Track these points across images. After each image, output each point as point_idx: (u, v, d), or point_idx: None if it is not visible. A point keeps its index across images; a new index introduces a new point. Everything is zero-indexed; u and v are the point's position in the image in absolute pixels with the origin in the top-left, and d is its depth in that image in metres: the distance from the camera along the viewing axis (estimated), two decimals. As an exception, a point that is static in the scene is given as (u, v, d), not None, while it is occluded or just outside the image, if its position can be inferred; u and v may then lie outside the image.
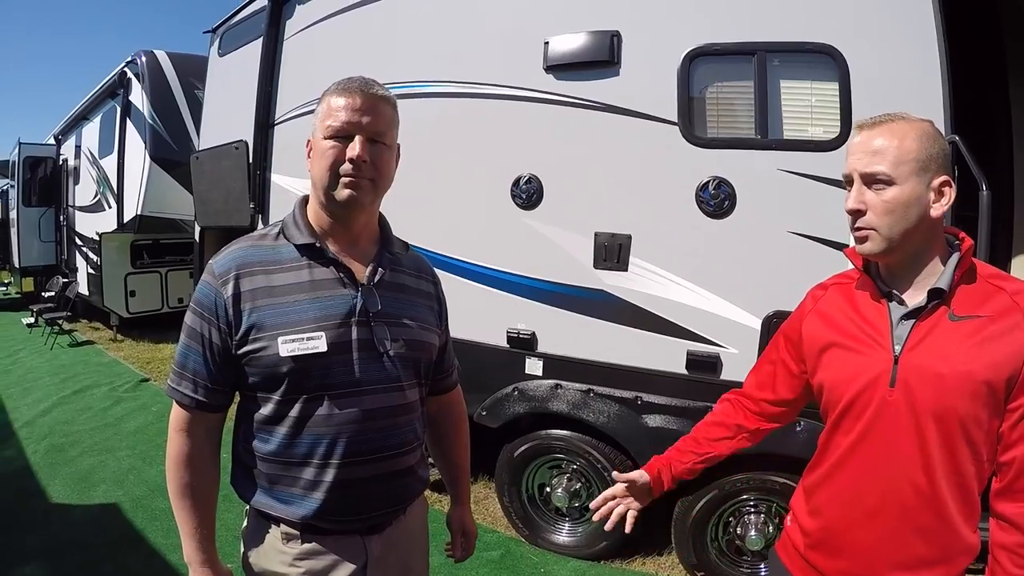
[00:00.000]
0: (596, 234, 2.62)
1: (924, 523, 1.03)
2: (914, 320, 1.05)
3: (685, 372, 2.51)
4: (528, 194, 2.75)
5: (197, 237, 4.42)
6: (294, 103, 3.57)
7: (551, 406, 2.75)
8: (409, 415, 1.19)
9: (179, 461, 1.12)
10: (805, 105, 2.35)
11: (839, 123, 2.28)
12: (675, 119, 2.46)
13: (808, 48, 2.29)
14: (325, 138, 1.09)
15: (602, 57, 2.56)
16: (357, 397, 1.10)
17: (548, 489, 2.92)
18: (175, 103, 6.16)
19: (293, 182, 3.64)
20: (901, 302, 1.08)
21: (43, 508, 3.34)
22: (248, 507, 1.18)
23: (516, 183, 2.77)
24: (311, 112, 3.51)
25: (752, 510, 2.57)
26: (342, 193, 1.09)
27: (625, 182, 2.59)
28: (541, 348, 2.80)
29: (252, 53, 3.75)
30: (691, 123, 2.46)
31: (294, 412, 1.08)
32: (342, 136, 1.08)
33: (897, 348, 1.04)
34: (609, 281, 2.62)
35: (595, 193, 2.65)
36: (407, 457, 1.18)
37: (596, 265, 2.63)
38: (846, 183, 1.10)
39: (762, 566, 2.56)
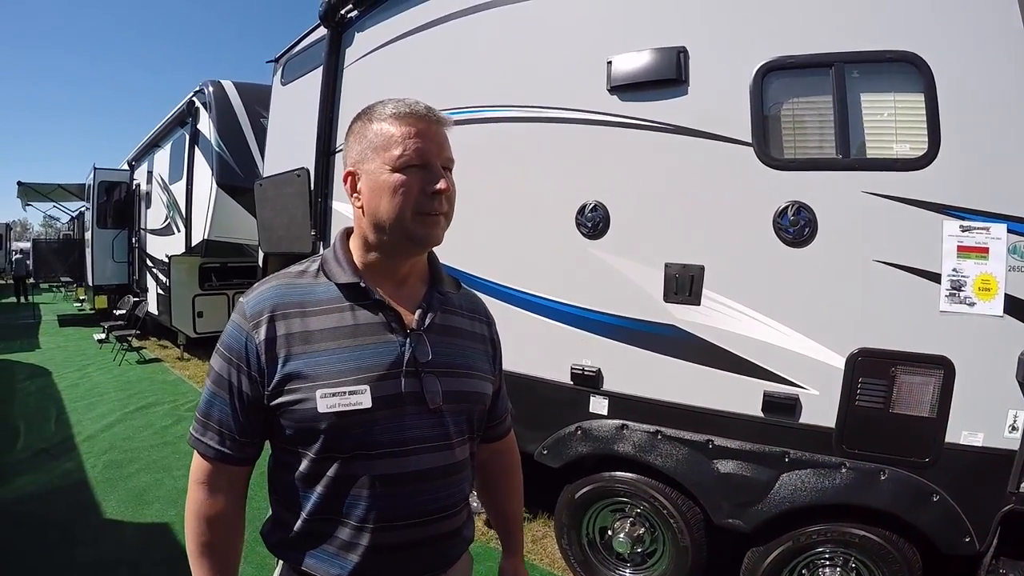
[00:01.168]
0: (666, 265, 2.77)
1: None
2: None
3: (761, 415, 2.62)
4: (593, 223, 2.94)
5: (261, 262, 5.00)
6: (356, 132, 4.03)
7: (616, 447, 2.91)
8: (459, 474, 1.19)
9: (200, 517, 1.14)
10: (889, 120, 2.43)
11: (926, 138, 2.34)
12: (749, 139, 2.59)
13: (889, 57, 2.36)
14: (395, 170, 1.08)
15: (668, 75, 2.72)
16: (403, 458, 1.10)
17: (610, 533, 3.08)
18: (241, 131, 6.97)
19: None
20: None
21: (96, 523, 3.84)
22: (279, 560, 1.22)
23: (581, 211, 2.96)
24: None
25: (828, 563, 2.63)
26: (422, 231, 1.10)
27: (696, 209, 2.73)
28: (606, 386, 2.97)
29: (313, 81, 4.24)
30: (766, 143, 2.57)
31: (331, 472, 1.09)
32: (418, 167, 1.09)
33: None
34: (680, 316, 2.76)
35: (664, 221, 2.80)
36: (452, 520, 1.19)
37: (666, 298, 2.77)
38: None
39: None
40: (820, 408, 2.52)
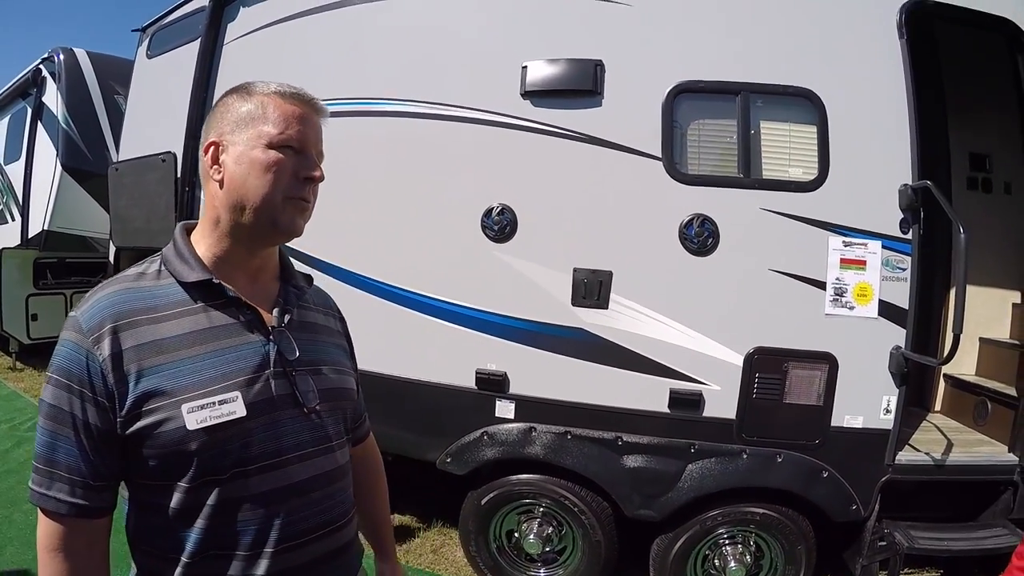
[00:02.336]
0: (575, 270, 2.52)
1: None
2: None
3: (668, 410, 2.47)
4: (500, 226, 2.59)
5: (112, 258, 3.89)
6: (233, 114, 3.21)
7: (525, 450, 2.60)
8: (344, 479, 1.01)
9: None
10: (785, 146, 2.38)
11: (817, 164, 2.34)
12: (659, 154, 2.45)
13: (788, 91, 2.36)
14: (271, 147, 0.88)
15: (584, 86, 2.49)
16: (285, 469, 0.89)
17: (517, 535, 2.77)
18: (92, 107, 5.52)
19: (228, 200, 3.27)
20: None
21: (-66, 576, 2.76)
22: None
23: (487, 214, 2.61)
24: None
25: (729, 542, 2.57)
26: (288, 219, 0.91)
27: (606, 216, 2.53)
28: (513, 390, 2.64)
29: (186, 57, 3.38)
30: (675, 158, 2.44)
31: (210, 499, 0.85)
32: (296, 150, 0.90)
33: None
34: (588, 319, 2.53)
35: (574, 227, 2.56)
36: (348, 529, 1.01)
37: (574, 302, 2.53)
38: None
39: None
40: (722, 402, 2.45)
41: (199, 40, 3.26)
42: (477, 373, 2.64)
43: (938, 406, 3.35)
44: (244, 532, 0.86)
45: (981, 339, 3.23)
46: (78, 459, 0.83)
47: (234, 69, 3.24)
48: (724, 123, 2.41)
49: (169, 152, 3.35)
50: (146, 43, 3.80)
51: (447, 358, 2.69)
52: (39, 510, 0.85)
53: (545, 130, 2.54)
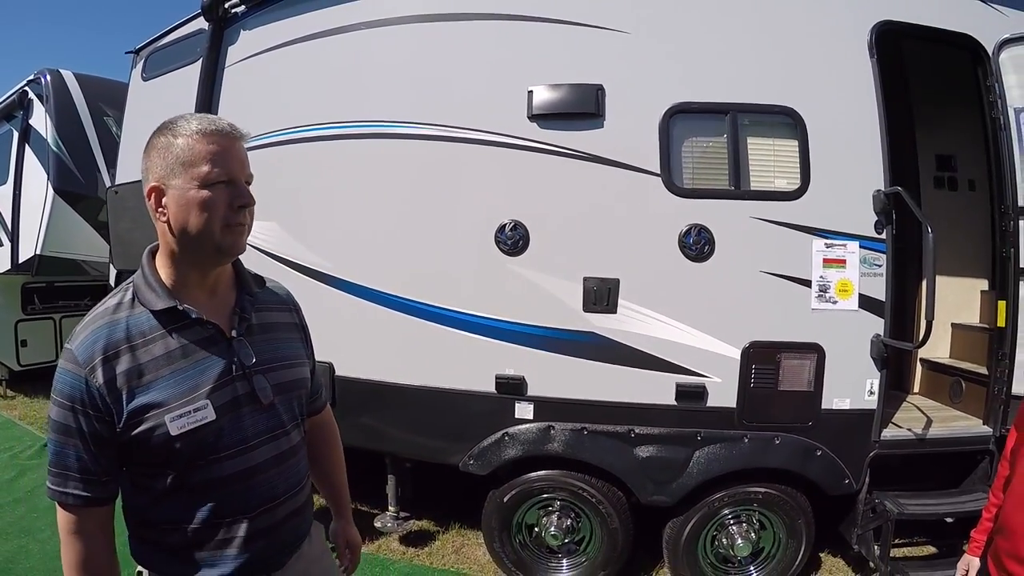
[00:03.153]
0: (585, 279, 2.91)
1: None
2: None
3: (675, 403, 2.90)
4: (513, 241, 2.96)
5: (113, 281, 4.14)
6: (236, 137, 3.52)
7: (545, 448, 2.99)
8: (298, 455, 1.31)
9: (79, 567, 1.14)
10: (771, 160, 2.84)
11: (800, 175, 2.81)
12: (657, 170, 2.87)
13: (773, 110, 2.82)
14: (203, 186, 1.09)
15: (588, 109, 2.89)
16: (251, 453, 1.19)
17: (537, 529, 3.17)
18: (83, 130, 5.67)
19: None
20: None
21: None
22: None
23: (501, 230, 2.97)
24: (259, 147, 3.44)
25: (733, 522, 3.04)
26: (229, 243, 1.14)
27: (612, 229, 2.92)
28: (531, 392, 3.01)
29: (183, 79, 3.67)
30: (672, 174, 2.87)
31: (192, 481, 1.14)
32: (224, 183, 1.11)
33: None
34: (599, 323, 2.92)
35: (582, 239, 2.94)
36: (300, 496, 1.32)
37: (586, 308, 2.92)
38: None
39: (751, 569, 3.08)
40: (723, 392, 2.89)
41: (199, 63, 3.54)
42: (496, 378, 3.01)
43: (916, 388, 3.89)
44: (220, 506, 1.16)
45: (953, 324, 3.78)
46: (87, 462, 1.10)
47: (236, 92, 3.55)
48: (715, 140, 2.87)
49: (173, 175, 3.64)
50: (140, 65, 4.06)
51: (467, 366, 3.05)
52: (57, 504, 1.14)
53: (552, 150, 2.93)
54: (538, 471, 3.07)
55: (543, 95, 2.93)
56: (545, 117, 2.94)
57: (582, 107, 2.89)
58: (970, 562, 1.84)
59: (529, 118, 2.95)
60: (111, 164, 4.25)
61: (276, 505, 1.23)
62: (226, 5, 3.48)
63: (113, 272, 4.14)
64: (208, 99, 3.56)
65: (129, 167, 4.02)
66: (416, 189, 3.12)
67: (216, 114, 3.57)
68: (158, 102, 3.91)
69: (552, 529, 3.09)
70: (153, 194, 1.12)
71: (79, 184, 5.63)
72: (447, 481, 3.78)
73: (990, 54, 2.89)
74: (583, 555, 3.14)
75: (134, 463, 1.14)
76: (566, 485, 3.04)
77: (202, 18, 3.60)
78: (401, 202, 3.13)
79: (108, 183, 5.11)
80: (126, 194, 3.91)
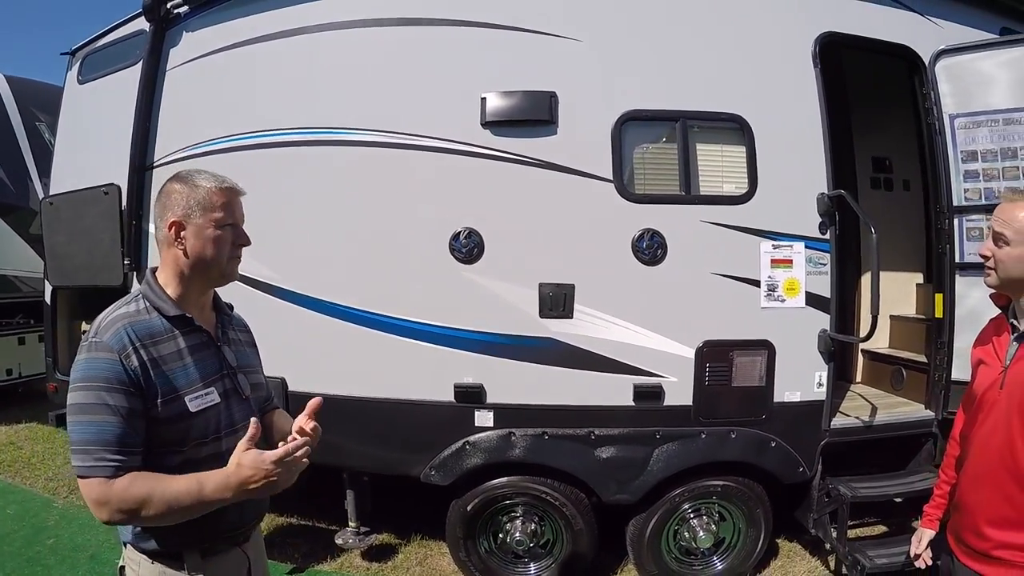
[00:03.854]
0: (541, 285, 2.95)
1: (1010, 492, 1.58)
2: (1022, 341, 1.64)
3: (633, 404, 2.99)
4: (468, 248, 2.97)
5: (48, 298, 3.94)
6: (180, 143, 3.42)
7: (506, 455, 3.02)
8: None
9: (143, 491, 1.27)
10: (719, 165, 2.94)
11: (747, 180, 2.93)
12: (610, 176, 2.94)
13: (721, 117, 2.93)
14: (218, 227, 1.43)
15: (541, 116, 2.93)
16: (236, 435, 1.41)
17: (502, 535, 3.20)
18: (13, 136, 5.34)
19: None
20: (1017, 328, 1.67)
21: None
22: (140, 559, 1.43)
23: (455, 237, 2.97)
24: (202, 155, 3.32)
25: (694, 515, 3.16)
26: (231, 271, 1.50)
27: (566, 235, 2.98)
28: (490, 399, 3.03)
29: (122, 82, 3.54)
30: (625, 180, 2.94)
31: (198, 456, 1.40)
32: (231, 225, 1.46)
33: (1007, 362, 1.65)
34: (556, 328, 2.98)
35: (537, 246, 2.98)
36: None
37: (542, 314, 2.96)
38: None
39: (714, 559, 3.22)
40: (679, 391, 3.00)
41: (140, 65, 3.43)
42: (455, 387, 3.01)
43: (859, 377, 4.11)
44: None
45: (891, 316, 4.01)
46: (124, 434, 1.28)
47: (178, 97, 3.44)
48: (666, 147, 2.96)
49: (112, 184, 3.50)
50: (76, 67, 3.89)
51: (425, 376, 3.05)
52: (86, 480, 1.26)
53: (505, 157, 2.95)
54: (500, 478, 3.10)
55: (496, 102, 2.95)
56: (498, 124, 2.96)
57: (535, 114, 2.93)
58: (923, 533, 2.00)
59: (482, 125, 2.96)
60: (44, 173, 4.04)
61: None
62: (168, 5, 3.37)
63: (48, 288, 3.95)
64: (148, 104, 3.46)
65: (64, 176, 3.85)
66: (368, 197, 3.09)
67: (158, 120, 3.54)
68: (95, 106, 3.76)
69: (517, 534, 3.14)
70: (174, 227, 1.41)
71: (9, 194, 5.34)
72: (404, 493, 3.78)
73: (927, 64, 3.08)
74: (550, 557, 3.20)
75: (155, 441, 1.34)
76: (528, 490, 3.09)
77: (143, 18, 3.47)
78: (352, 211, 3.10)
79: (42, 194, 4.86)
80: (62, 205, 3.74)
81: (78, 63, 3.89)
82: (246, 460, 1.31)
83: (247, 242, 1.51)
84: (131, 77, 3.50)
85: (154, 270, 1.49)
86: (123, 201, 3.49)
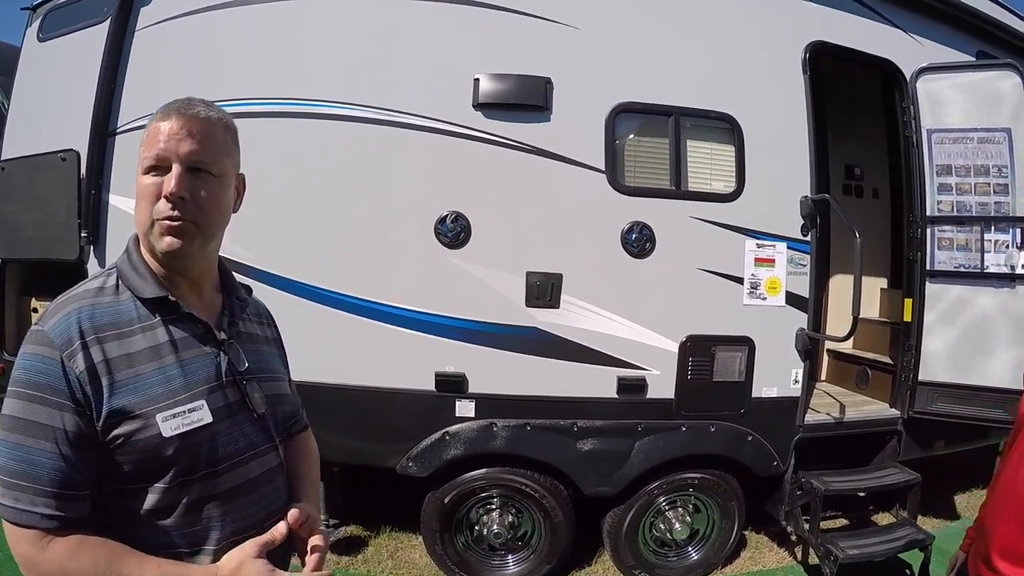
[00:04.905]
0: (528, 273, 2.93)
1: None
2: None
3: (616, 396, 3.01)
4: (455, 233, 2.92)
5: (-5, 272, 3.65)
6: (145, 109, 3.20)
7: (487, 446, 2.99)
8: (282, 476, 1.18)
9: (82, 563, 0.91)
10: (709, 162, 2.99)
11: (735, 179, 2.99)
12: (602, 167, 2.95)
13: (712, 115, 2.98)
14: (144, 173, 1.00)
15: (535, 101, 2.91)
16: (241, 468, 1.06)
17: (479, 528, 3.17)
18: None
19: (140, 205, 3.26)
20: None
21: None
22: None
23: (442, 221, 2.91)
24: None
25: (669, 508, 3.22)
26: (161, 243, 1.01)
27: (556, 223, 2.97)
28: (472, 389, 2.99)
29: (87, 41, 3.30)
30: (616, 172, 2.95)
31: (184, 498, 0.99)
32: (160, 168, 1.00)
33: None
34: (541, 318, 2.97)
35: (526, 233, 2.96)
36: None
37: (528, 303, 2.94)
38: None
39: (690, 550, 3.28)
40: (662, 384, 3.04)
41: (107, 24, 3.21)
42: (436, 376, 2.95)
43: (824, 376, 4.25)
44: (211, 527, 1.01)
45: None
46: (61, 470, 0.90)
47: (147, 59, 3.24)
48: (658, 141, 3.00)
49: (71, 150, 3.27)
50: (37, 23, 3.61)
51: (406, 363, 2.98)
52: (15, 528, 0.90)
53: (497, 141, 2.92)
54: (477, 469, 3.07)
55: (490, 84, 2.91)
56: (491, 106, 2.92)
57: (529, 99, 2.91)
58: (959, 556, 1.85)
59: (474, 106, 2.92)
60: (2, 137, 3.73)
61: (263, 529, 1.07)
62: (141, -41, 3.17)
63: (-4, 261, 3.66)
64: (114, 65, 3.23)
65: (19, 140, 3.56)
66: (349, 174, 2.98)
67: (124, 83, 3.32)
68: (56, 67, 3.50)
69: (495, 527, 3.12)
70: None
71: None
72: (372, 484, 3.68)
73: (908, 79, 3.21)
74: (528, 550, 3.19)
75: (112, 477, 0.96)
76: (507, 481, 3.07)
77: (113, -28, 3.25)
78: (332, 188, 2.98)
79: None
80: (15, 171, 3.47)
81: (39, 19, 3.62)
82: (249, 573, 0.97)
83: (171, 190, 0.98)
84: (97, 36, 3.27)
85: (137, 236, 1.08)
86: (82, 168, 3.27)
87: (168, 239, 1.00)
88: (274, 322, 1.35)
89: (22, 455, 0.91)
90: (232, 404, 1.07)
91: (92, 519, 0.95)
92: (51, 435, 0.91)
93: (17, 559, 0.93)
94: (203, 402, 1.01)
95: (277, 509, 1.12)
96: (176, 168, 0.98)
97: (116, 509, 0.97)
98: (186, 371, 1.01)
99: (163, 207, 0.98)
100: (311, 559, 1.10)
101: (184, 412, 0.98)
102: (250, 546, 1.00)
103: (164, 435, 0.95)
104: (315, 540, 1.11)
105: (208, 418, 1.00)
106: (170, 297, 1.03)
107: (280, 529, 1.05)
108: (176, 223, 0.99)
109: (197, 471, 0.99)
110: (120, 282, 1.03)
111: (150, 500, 0.97)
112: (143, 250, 1.05)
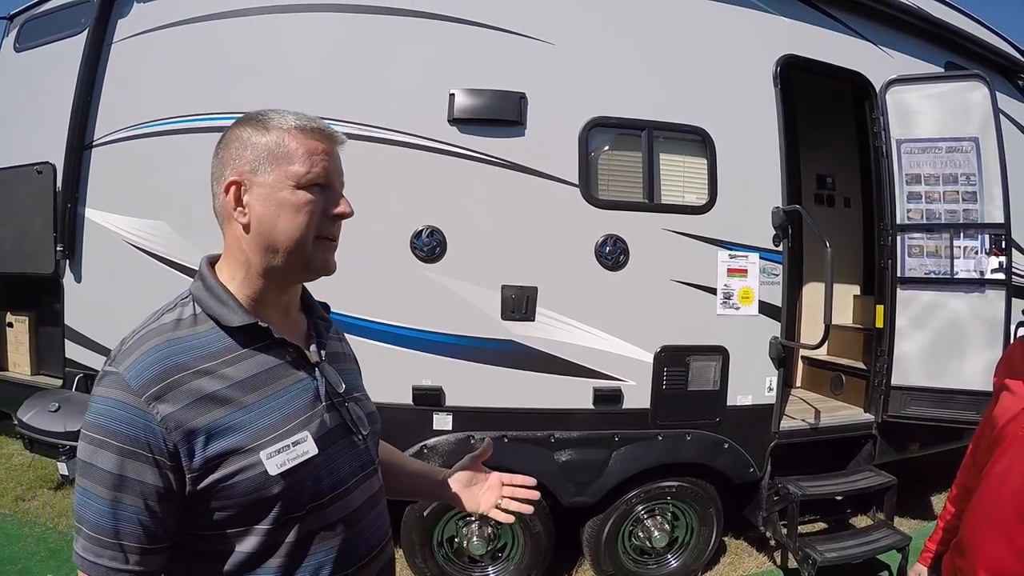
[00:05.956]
0: (503, 287, 2.90)
1: (1020, 543, 1.29)
2: None
3: (593, 407, 2.98)
4: (430, 247, 2.88)
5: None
6: (123, 122, 3.17)
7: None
8: (383, 501, 1.13)
9: None
10: (681, 175, 2.97)
11: (707, 191, 2.97)
12: (576, 181, 2.93)
13: (685, 129, 2.97)
14: (301, 187, 0.94)
15: (510, 116, 2.88)
16: (347, 497, 1.01)
17: (458, 540, 3.12)
18: None
19: (118, 220, 3.20)
20: None
21: None
22: None
23: (417, 235, 2.87)
24: (149, 135, 3.14)
25: (647, 517, 3.20)
26: (320, 260, 0.98)
27: (531, 237, 2.93)
28: (449, 402, 2.95)
29: (64, 52, 3.27)
30: (590, 185, 2.93)
31: (289, 537, 0.93)
32: (322, 186, 0.97)
33: None
34: (517, 331, 2.93)
35: (501, 247, 2.93)
36: (389, 547, 1.13)
37: (504, 317, 2.91)
38: None
39: (669, 557, 3.25)
40: (638, 395, 3.02)
41: (84, 35, 3.17)
42: (413, 389, 2.90)
43: (799, 383, 4.25)
44: (322, 565, 0.95)
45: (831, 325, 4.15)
46: (146, 526, 0.85)
47: (125, 71, 3.20)
48: (631, 155, 2.98)
49: (46, 163, 3.23)
50: (14, 34, 3.56)
51: (382, 377, 2.86)
52: None
53: (472, 156, 2.88)
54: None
55: (465, 99, 2.87)
56: (466, 121, 2.88)
57: (504, 114, 2.88)
58: (920, 571, 1.74)
59: (449, 121, 2.88)
60: None
61: (370, 560, 1.03)
62: (119, -29, 3.12)
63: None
64: (91, 77, 3.19)
65: (-8, 151, 3.50)
66: None
67: (100, 96, 3.27)
68: (33, 77, 3.45)
69: (474, 539, 3.06)
70: (231, 189, 0.94)
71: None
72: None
73: (878, 91, 3.22)
74: (508, 561, 3.15)
75: (201, 524, 0.90)
76: (485, 492, 3.00)
77: (90, -17, 3.20)
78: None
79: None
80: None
81: (16, 29, 3.57)
82: None
83: (346, 210, 0.98)
84: (74, 47, 3.23)
85: (212, 260, 1.01)
86: (58, 182, 3.22)
87: (330, 258, 1.00)
88: (345, 337, 1.27)
89: (106, 510, 0.85)
90: (332, 430, 1.00)
91: (191, 567, 0.92)
92: (137, 489, 0.84)
93: None
94: (306, 433, 0.94)
95: (383, 536, 1.08)
96: (340, 192, 0.99)
97: (215, 553, 0.91)
98: (284, 401, 0.94)
99: (332, 226, 0.98)
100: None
101: (288, 446, 0.91)
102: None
103: (270, 473, 0.88)
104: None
105: (313, 450, 0.94)
106: (260, 323, 0.95)
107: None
108: (336, 242, 1.00)
109: (304, 506, 0.93)
110: (199, 311, 0.95)
111: (252, 542, 0.90)
112: (222, 275, 0.98)
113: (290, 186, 0.93)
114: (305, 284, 1.11)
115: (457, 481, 1.30)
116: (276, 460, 0.89)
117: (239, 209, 0.94)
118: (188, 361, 0.88)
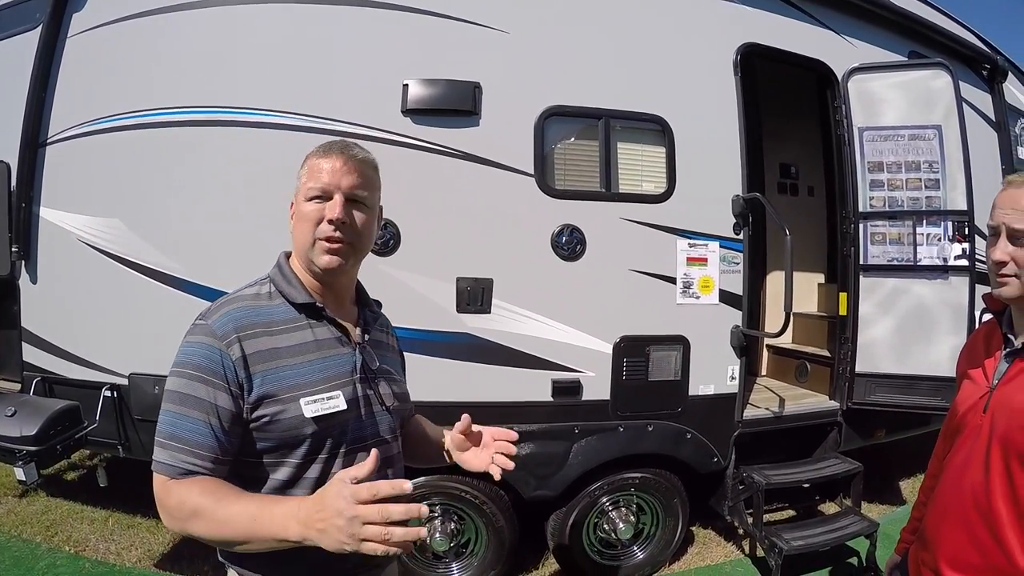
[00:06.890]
0: (458, 279, 2.78)
1: (980, 537, 1.23)
2: (1015, 359, 1.27)
3: (552, 399, 2.86)
4: (383, 240, 2.75)
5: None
6: (78, 118, 3.02)
7: (422, 453, 2.80)
8: (397, 466, 1.30)
9: (198, 517, 1.01)
10: (639, 164, 2.85)
11: (666, 180, 2.86)
12: (531, 171, 2.80)
13: (643, 117, 2.85)
14: (308, 200, 1.15)
15: (464, 106, 2.75)
16: (365, 451, 1.14)
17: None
18: None
19: (72, 219, 3.06)
20: (1011, 343, 1.29)
21: None
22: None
23: None
24: (103, 131, 2.99)
25: (612, 508, 3.08)
26: (322, 259, 1.15)
27: (486, 228, 2.81)
28: (406, 397, 2.84)
29: (18, 48, 3.09)
30: (546, 175, 2.81)
31: (312, 473, 1.12)
32: (323, 197, 1.14)
33: (995, 381, 1.29)
34: (473, 324, 2.81)
35: (455, 239, 2.80)
36: None
37: (459, 309, 2.78)
38: (991, 233, 1.25)
39: (635, 549, 3.15)
40: (597, 386, 2.89)
41: (38, 31, 3.00)
42: (367, 387, 2.81)
43: (764, 371, 4.15)
44: None
45: (795, 314, 4.05)
46: (208, 437, 1.05)
47: (80, 66, 3.03)
48: (588, 144, 2.85)
49: (2, 162, 3.08)
50: None
51: None
52: (164, 480, 1.04)
53: (426, 147, 2.75)
54: (416, 477, 2.89)
55: (419, 89, 2.74)
56: (420, 112, 2.75)
57: (459, 104, 2.75)
58: (895, 560, 1.69)
59: (403, 112, 2.74)
60: None
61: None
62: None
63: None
64: (46, 73, 3.01)
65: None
66: (278, 183, 2.73)
67: (55, 91, 3.13)
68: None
69: (437, 535, 2.93)
70: (292, 205, 1.22)
71: None
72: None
73: (840, 79, 3.10)
74: (472, 557, 3.03)
75: (253, 451, 1.11)
76: (446, 488, 2.89)
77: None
78: (260, 197, 2.75)
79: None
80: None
81: (-28, 25, 3.41)
82: (328, 489, 0.94)
83: (333, 215, 1.12)
84: (27, 43, 3.06)
85: (288, 253, 1.26)
86: (12, 181, 3.07)
87: (328, 256, 1.15)
88: (396, 336, 1.49)
89: (182, 423, 1.05)
90: (363, 397, 1.20)
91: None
92: (207, 408, 1.05)
93: (157, 501, 1.06)
94: (339, 393, 1.14)
95: None
96: (338, 197, 1.13)
97: (252, 479, 1.11)
98: (327, 365, 1.16)
99: (326, 228, 1.13)
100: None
101: (323, 399, 1.11)
102: (340, 473, 0.99)
103: (305, 416, 1.09)
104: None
105: (342, 405, 1.13)
106: (317, 303, 1.18)
107: (373, 455, 1.00)
108: (336, 244, 1.14)
109: (327, 449, 1.13)
110: (274, 289, 1.19)
111: (284, 472, 1.11)
112: (294, 265, 1.22)
113: (302, 200, 1.17)
114: (361, 283, 1.34)
115: (455, 448, 1.49)
116: (311, 407, 1.10)
117: (292, 223, 1.21)
118: (259, 322, 1.13)
